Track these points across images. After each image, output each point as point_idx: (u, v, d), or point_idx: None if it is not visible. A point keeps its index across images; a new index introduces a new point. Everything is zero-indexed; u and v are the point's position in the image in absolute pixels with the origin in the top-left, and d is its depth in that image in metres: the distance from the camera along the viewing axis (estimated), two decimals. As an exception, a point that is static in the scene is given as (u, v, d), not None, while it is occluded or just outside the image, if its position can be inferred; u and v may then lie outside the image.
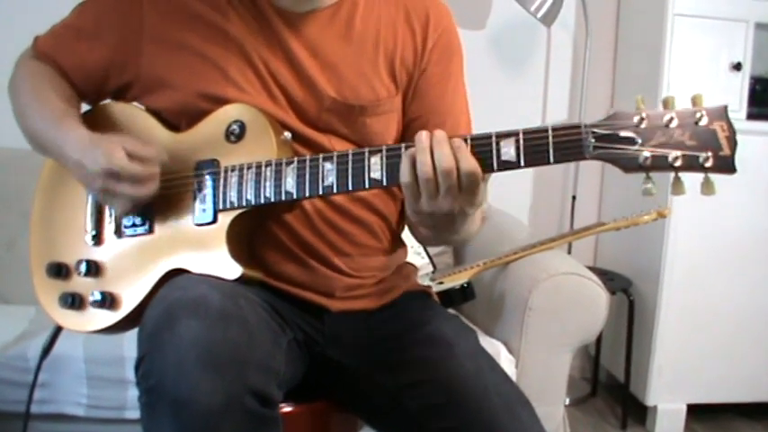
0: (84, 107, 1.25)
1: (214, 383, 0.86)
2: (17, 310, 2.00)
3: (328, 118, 1.16)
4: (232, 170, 1.08)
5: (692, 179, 0.89)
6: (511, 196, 2.68)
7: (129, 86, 1.20)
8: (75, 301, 1.17)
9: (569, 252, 2.57)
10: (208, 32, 1.14)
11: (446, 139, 0.92)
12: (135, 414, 1.67)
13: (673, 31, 2.29)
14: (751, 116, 2.35)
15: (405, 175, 0.94)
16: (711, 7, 2.30)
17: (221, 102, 1.12)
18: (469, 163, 0.91)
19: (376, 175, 0.99)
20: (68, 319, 1.19)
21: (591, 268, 1.92)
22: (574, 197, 2.69)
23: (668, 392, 2.44)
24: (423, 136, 0.93)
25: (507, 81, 2.73)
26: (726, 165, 0.85)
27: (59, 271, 1.19)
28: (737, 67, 2.30)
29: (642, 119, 0.87)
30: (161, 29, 1.16)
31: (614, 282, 2.48)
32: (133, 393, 1.66)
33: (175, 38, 1.15)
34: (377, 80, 1.18)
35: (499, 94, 2.65)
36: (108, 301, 1.14)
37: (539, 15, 2.41)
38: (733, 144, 0.85)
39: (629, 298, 2.45)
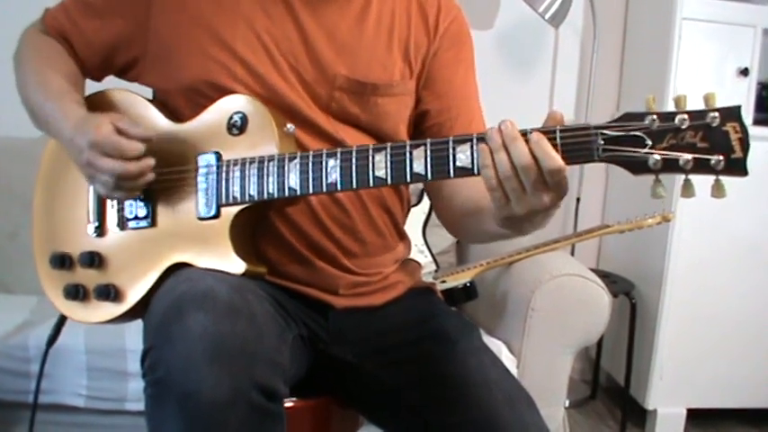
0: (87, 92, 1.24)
1: (221, 377, 0.85)
2: (19, 299, 2.00)
3: (340, 97, 1.15)
4: (234, 164, 1.06)
5: (699, 181, 0.86)
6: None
7: (135, 63, 1.19)
8: (79, 293, 1.16)
9: (572, 254, 2.57)
10: (217, 9, 1.13)
11: (519, 135, 0.86)
12: (135, 406, 1.69)
13: (680, 36, 2.29)
14: (757, 122, 2.34)
15: (488, 178, 0.88)
16: (719, 12, 2.29)
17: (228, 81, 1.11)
18: (553, 160, 0.84)
19: (380, 173, 0.96)
20: (73, 310, 1.18)
21: (593, 270, 1.92)
22: (578, 199, 2.68)
23: (668, 396, 2.45)
24: (493, 133, 0.87)
25: (514, 81, 2.73)
26: (737, 167, 0.83)
27: (63, 262, 1.18)
28: (744, 72, 2.30)
29: (653, 120, 0.84)
30: (169, 4, 1.14)
31: (617, 284, 2.47)
32: (133, 385, 1.69)
33: (184, 14, 1.13)
34: (390, 62, 1.18)
35: (506, 95, 2.64)
36: (112, 294, 1.13)
37: (547, 16, 2.41)
38: (745, 146, 0.82)
39: (632, 301, 2.45)
